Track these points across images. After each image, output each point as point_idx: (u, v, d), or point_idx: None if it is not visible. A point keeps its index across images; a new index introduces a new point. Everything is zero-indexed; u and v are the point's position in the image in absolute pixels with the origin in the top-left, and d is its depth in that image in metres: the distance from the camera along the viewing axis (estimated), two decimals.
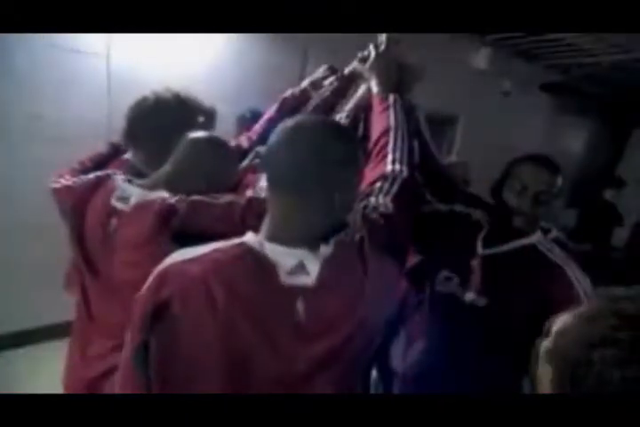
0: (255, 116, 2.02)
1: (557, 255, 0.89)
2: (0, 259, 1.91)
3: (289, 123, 0.61)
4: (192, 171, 0.90)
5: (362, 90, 1.03)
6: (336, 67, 1.21)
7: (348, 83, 1.15)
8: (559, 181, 0.90)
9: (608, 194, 3.42)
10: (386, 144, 0.79)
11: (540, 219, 0.94)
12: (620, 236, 3.64)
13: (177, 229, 0.81)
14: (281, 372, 0.57)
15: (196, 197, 0.84)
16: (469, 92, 3.36)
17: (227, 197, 0.88)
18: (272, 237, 0.58)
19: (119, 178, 0.87)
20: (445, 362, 0.94)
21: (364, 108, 0.99)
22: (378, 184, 0.73)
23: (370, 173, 0.76)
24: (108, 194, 0.85)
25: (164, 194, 0.83)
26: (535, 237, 0.92)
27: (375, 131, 0.84)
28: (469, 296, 0.92)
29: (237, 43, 2.36)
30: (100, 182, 0.89)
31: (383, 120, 0.83)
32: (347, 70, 1.12)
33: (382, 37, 0.96)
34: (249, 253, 0.56)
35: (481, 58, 3.29)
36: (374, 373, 1.20)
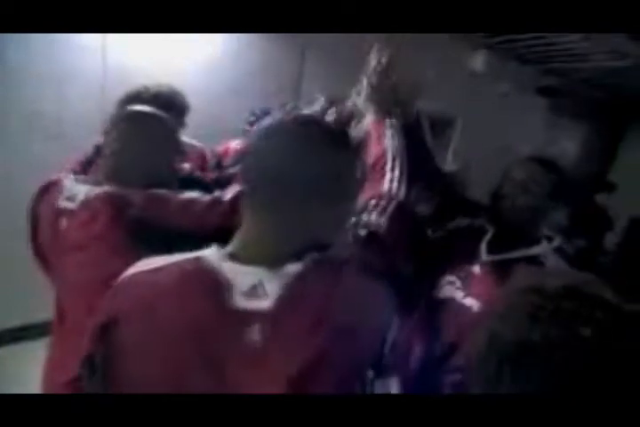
0: (265, 113, 2.02)
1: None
2: (0, 257, 1.89)
3: (267, 122, 0.54)
4: (126, 154, 0.85)
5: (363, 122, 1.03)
6: (334, 97, 1.22)
7: (348, 117, 1.15)
8: (552, 177, 0.90)
9: (599, 198, 3.47)
10: (384, 165, 0.78)
11: (540, 224, 0.94)
12: (611, 240, 3.69)
13: (134, 224, 0.78)
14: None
15: (154, 191, 0.82)
16: (467, 95, 3.37)
17: (189, 194, 0.86)
18: (234, 254, 0.52)
19: (68, 178, 0.86)
20: (443, 366, 0.95)
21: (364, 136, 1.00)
22: (373, 201, 0.68)
23: (366, 191, 0.73)
24: (56, 196, 0.83)
25: (109, 187, 0.81)
26: (540, 249, 0.92)
27: (373, 154, 0.84)
28: (468, 302, 0.93)
29: (235, 42, 2.35)
30: (49, 186, 0.87)
31: (381, 144, 0.83)
32: (345, 106, 1.14)
33: (373, 62, 0.94)
34: (203, 269, 0.50)
35: (478, 61, 3.30)
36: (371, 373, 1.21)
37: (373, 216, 0.67)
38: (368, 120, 0.94)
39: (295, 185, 0.50)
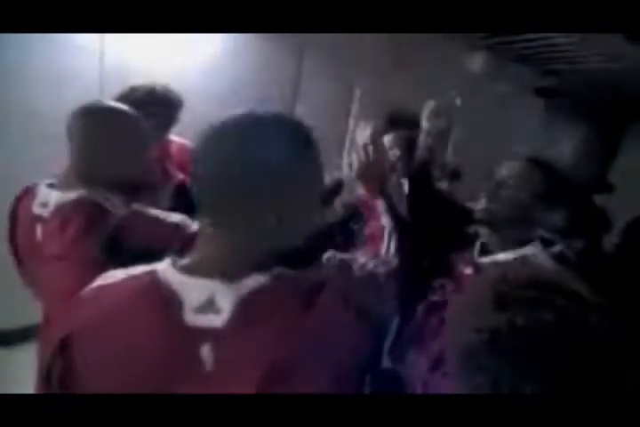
0: None
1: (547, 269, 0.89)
2: (1, 255, 1.88)
3: (209, 127, 0.49)
4: (87, 153, 0.80)
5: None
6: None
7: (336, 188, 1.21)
8: (543, 176, 0.90)
9: (598, 199, 3.46)
10: (380, 238, 0.79)
11: (530, 223, 0.94)
12: (610, 241, 3.69)
13: (111, 235, 0.75)
14: None
15: (138, 207, 0.80)
16: (464, 95, 3.37)
17: (175, 216, 0.84)
18: (189, 266, 0.49)
19: (42, 183, 0.84)
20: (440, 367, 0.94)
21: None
22: (362, 260, 0.63)
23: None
24: (30, 202, 0.81)
25: (80, 191, 0.78)
26: (529, 249, 0.92)
27: (369, 227, 0.85)
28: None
29: (233, 42, 2.35)
30: (27, 191, 0.85)
31: (376, 220, 0.83)
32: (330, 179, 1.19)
33: (366, 135, 0.92)
34: (155, 283, 0.47)
35: (476, 61, 3.30)
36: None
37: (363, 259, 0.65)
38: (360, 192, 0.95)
39: (244, 191, 0.45)
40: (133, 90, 1.24)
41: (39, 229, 0.78)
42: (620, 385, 0.40)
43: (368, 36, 2.53)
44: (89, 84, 1.98)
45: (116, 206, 0.80)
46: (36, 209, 0.80)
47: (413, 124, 1.22)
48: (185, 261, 0.50)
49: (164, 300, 0.46)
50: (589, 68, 3.40)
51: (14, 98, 1.84)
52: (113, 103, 0.86)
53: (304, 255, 0.53)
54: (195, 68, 2.27)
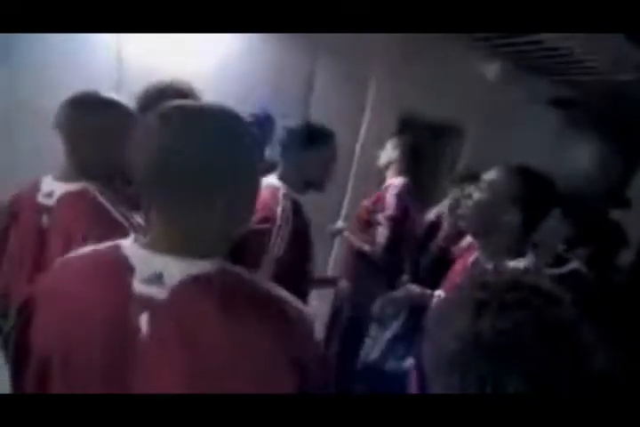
0: (268, 118, 2.04)
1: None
2: None
3: (149, 115, 0.51)
4: (80, 145, 0.80)
5: None
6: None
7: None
8: (519, 182, 0.86)
9: (614, 214, 3.37)
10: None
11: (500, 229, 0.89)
12: (626, 257, 3.58)
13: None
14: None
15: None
16: (478, 105, 3.35)
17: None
18: (148, 242, 0.52)
19: (47, 176, 0.86)
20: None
21: None
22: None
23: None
24: (35, 193, 0.84)
25: (79, 184, 0.81)
26: (519, 263, 0.88)
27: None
28: None
29: (248, 41, 2.38)
30: (30, 186, 0.87)
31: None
32: None
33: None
34: (116, 255, 0.51)
35: (491, 71, 3.29)
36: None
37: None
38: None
39: (186, 177, 0.48)
40: (150, 87, 1.24)
41: (45, 218, 0.81)
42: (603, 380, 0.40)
43: (382, 37, 2.53)
44: (106, 84, 2.02)
45: (112, 200, 0.82)
46: (41, 199, 0.82)
47: (424, 128, 1.23)
48: (146, 238, 0.53)
49: (118, 269, 0.50)
50: (607, 79, 3.35)
51: (28, 95, 1.86)
52: (103, 94, 0.84)
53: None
54: (209, 68, 2.29)
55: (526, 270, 0.92)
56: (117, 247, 0.52)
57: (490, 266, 0.86)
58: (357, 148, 3.00)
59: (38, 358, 0.51)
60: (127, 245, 0.53)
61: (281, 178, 1.25)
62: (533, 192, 0.85)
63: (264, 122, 2.01)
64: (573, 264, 0.92)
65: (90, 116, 0.80)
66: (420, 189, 2.17)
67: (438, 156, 3.59)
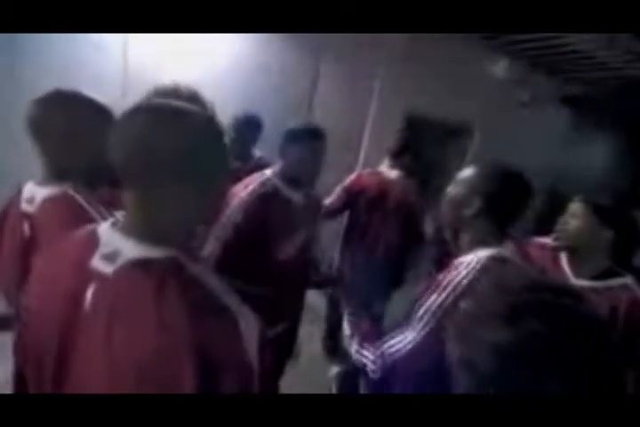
0: (250, 120, 2.03)
1: None
2: None
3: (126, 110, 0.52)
4: (50, 146, 0.77)
5: None
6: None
7: None
8: (493, 180, 0.86)
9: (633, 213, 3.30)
10: None
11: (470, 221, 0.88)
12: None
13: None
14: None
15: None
16: (486, 104, 3.31)
17: None
18: (121, 225, 0.55)
19: (30, 181, 0.82)
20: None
21: None
22: None
23: None
24: (19, 199, 0.80)
25: (57, 188, 0.77)
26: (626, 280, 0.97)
27: None
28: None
29: (251, 42, 2.39)
30: (18, 191, 0.83)
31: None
32: None
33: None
34: (90, 236, 0.55)
35: (499, 69, 3.24)
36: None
37: None
38: None
39: (157, 168, 0.49)
40: (157, 90, 1.24)
41: (26, 226, 0.78)
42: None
43: (386, 36, 2.52)
44: (111, 84, 2.04)
45: (91, 201, 0.78)
46: (24, 206, 0.79)
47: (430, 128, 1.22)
48: (122, 221, 0.56)
49: (87, 246, 0.53)
50: (617, 76, 3.29)
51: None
52: (73, 90, 0.79)
53: None
54: (213, 67, 2.31)
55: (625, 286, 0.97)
56: (95, 229, 0.56)
57: (471, 257, 0.84)
58: (361, 147, 2.99)
59: (21, 333, 0.58)
60: (105, 226, 0.56)
61: (273, 173, 1.29)
62: (498, 185, 0.85)
63: (246, 124, 2.01)
64: (626, 279, 0.95)
65: (57, 115, 0.76)
66: (425, 187, 2.15)
67: (447, 155, 3.56)
